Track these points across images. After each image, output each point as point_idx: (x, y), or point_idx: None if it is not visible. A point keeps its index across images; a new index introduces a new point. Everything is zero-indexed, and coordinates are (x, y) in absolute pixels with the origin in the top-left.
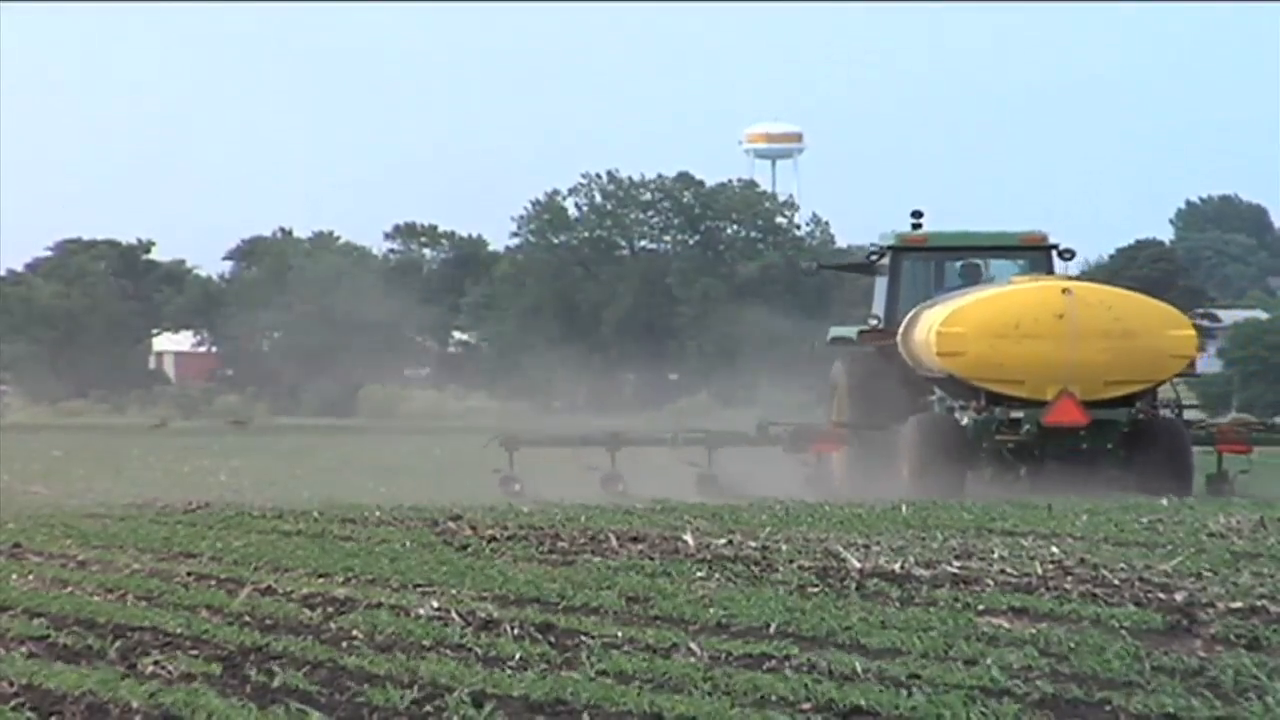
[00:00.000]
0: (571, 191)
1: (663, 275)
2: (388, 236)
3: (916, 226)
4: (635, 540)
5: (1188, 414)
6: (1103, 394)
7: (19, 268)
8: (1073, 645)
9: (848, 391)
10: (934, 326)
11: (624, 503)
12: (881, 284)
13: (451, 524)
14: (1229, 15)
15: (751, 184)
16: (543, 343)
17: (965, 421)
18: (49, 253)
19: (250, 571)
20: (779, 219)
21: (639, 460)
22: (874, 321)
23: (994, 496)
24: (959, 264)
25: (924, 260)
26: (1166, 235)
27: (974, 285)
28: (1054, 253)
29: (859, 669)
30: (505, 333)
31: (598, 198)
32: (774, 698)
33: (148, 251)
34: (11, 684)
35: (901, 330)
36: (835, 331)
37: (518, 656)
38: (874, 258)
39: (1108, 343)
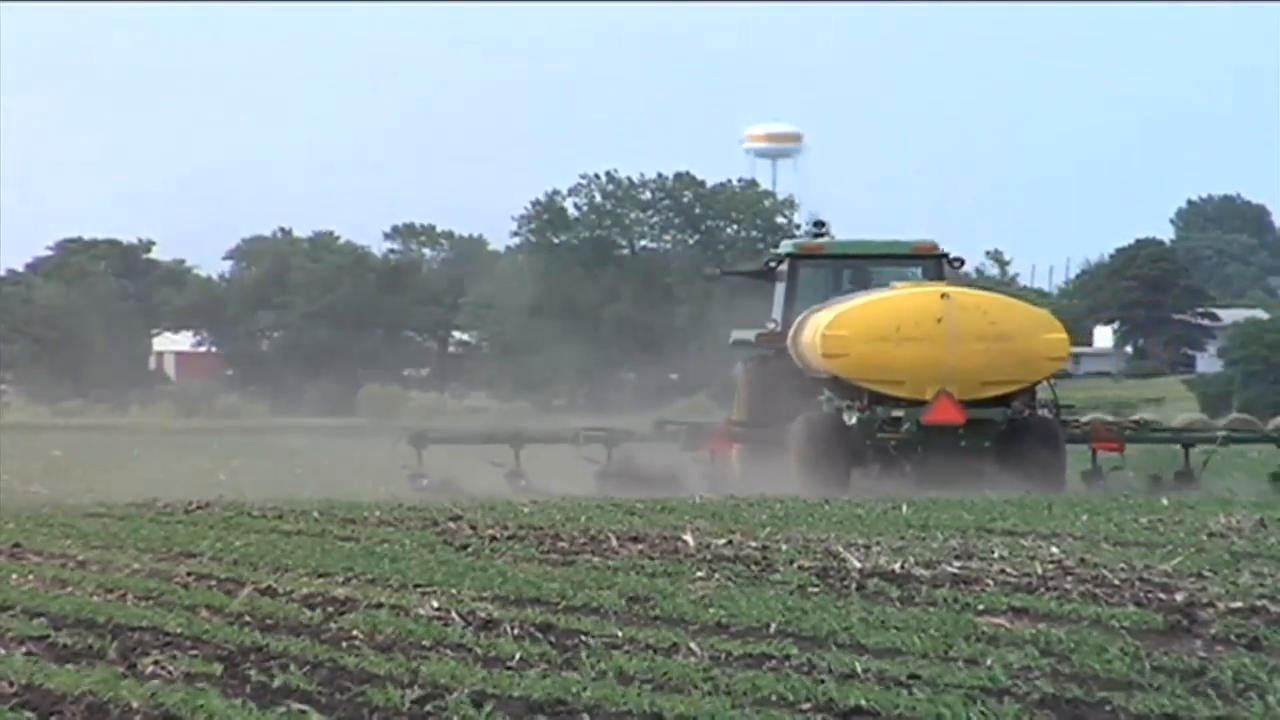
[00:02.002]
0: (571, 191)
1: (662, 275)
2: (387, 236)
3: (817, 235)
4: (635, 540)
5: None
6: (979, 394)
7: (19, 268)
8: (1073, 645)
9: (746, 391)
10: (819, 329)
11: (619, 500)
12: (780, 289)
13: (451, 524)
14: (1229, 15)
15: (751, 184)
16: (543, 342)
17: (850, 420)
18: (49, 253)
19: (250, 571)
20: (779, 219)
21: (542, 457)
22: (772, 325)
23: (878, 491)
24: (850, 271)
25: (820, 267)
26: (1167, 235)
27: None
28: (944, 261)
29: (859, 669)
30: (505, 332)
31: (597, 198)
32: (774, 698)
33: (148, 251)
34: (11, 684)
35: (792, 334)
36: (736, 334)
37: (518, 656)
38: (773, 264)
39: (984, 345)
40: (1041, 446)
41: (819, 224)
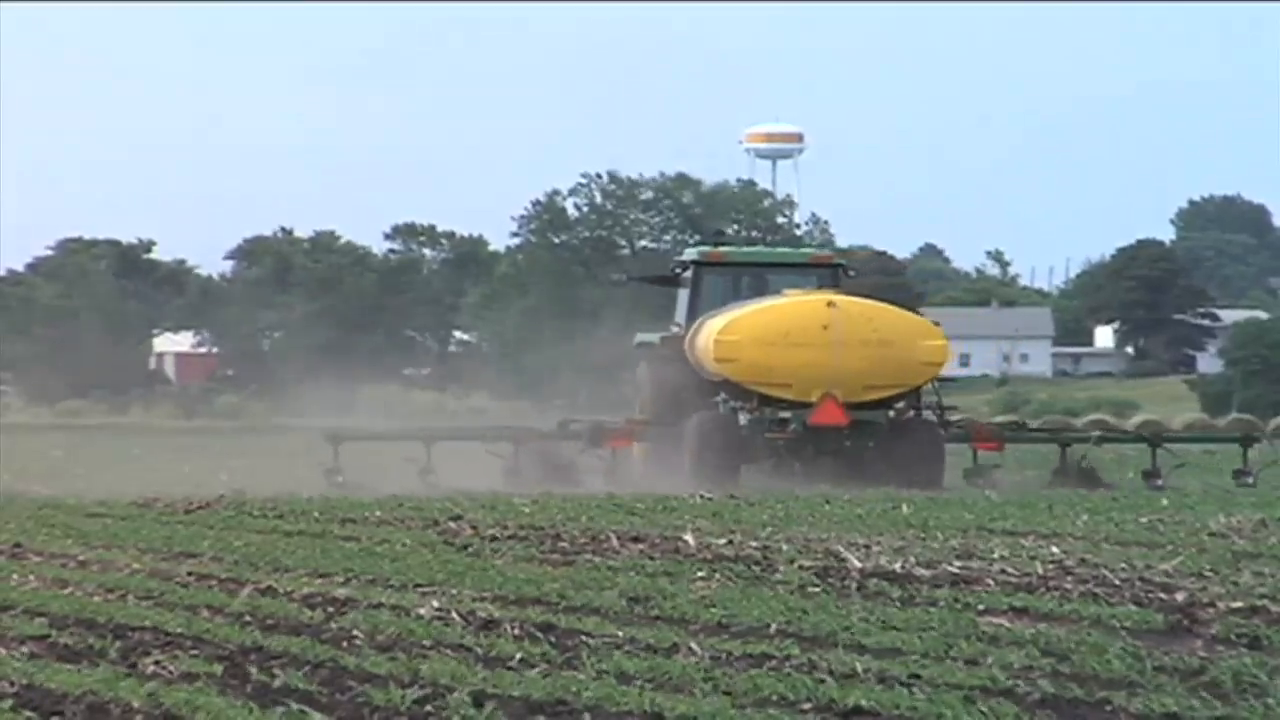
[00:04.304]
0: (571, 191)
1: None
2: (388, 236)
3: (717, 244)
4: (636, 540)
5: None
6: (862, 397)
7: (19, 268)
8: (1073, 645)
9: (648, 391)
10: (712, 335)
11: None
12: (684, 295)
13: (452, 524)
14: (1229, 15)
15: (750, 184)
16: (543, 342)
17: (742, 421)
18: (49, 253)
19: (250, 571)
20: (779, 219)
21: (453, 454)
22: (675, 329)
23: (769, 487)
24: (750, 279)
25: (722, 275)
26: (1167, 235)
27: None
28: (839, 270)
29: (859, 669)
30: (505, 332)
31: (598, 198)
32: (774, 698)
33: (148, 251)
34: (11, 684)
35: (689, 338)
36: (640, 337)
37: (518, 656)
38: (678, 271)
39: (867, 351)
40: (922, 447)
41: (719, 233)
